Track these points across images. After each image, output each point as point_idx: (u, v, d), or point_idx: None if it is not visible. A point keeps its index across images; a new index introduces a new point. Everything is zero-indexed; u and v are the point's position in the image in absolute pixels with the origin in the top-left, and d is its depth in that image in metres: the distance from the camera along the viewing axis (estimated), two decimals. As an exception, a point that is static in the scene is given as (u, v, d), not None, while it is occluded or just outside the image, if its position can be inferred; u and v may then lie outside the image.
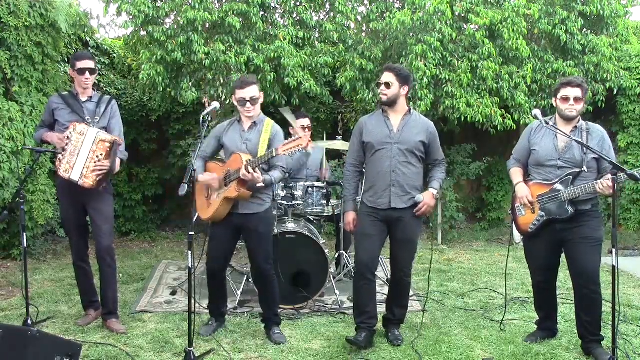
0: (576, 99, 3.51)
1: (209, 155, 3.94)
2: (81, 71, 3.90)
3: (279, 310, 4.06)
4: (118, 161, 3.89)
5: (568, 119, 3.57)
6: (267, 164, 3.74)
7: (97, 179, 3.75)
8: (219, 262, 3.92)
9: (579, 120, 3.61)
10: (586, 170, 3.49)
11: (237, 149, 3.77)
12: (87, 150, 3.71)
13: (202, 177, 3.78)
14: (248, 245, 3.92)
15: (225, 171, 3.76)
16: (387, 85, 3.70)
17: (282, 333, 3.88)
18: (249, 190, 3.68)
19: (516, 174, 3.80)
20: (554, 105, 3.65)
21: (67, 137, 3.76)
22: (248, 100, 3.73)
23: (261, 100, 3.84)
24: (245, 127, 3.82)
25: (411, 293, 4.39)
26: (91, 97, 3.98)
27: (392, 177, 3.68)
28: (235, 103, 3.80)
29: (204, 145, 3.82)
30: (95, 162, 3.71)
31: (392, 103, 3.73)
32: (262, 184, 3.65)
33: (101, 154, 3.72)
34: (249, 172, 3.53)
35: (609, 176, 3.27)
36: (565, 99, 3.53)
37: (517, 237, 3.83)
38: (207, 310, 4.10)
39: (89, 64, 3.92)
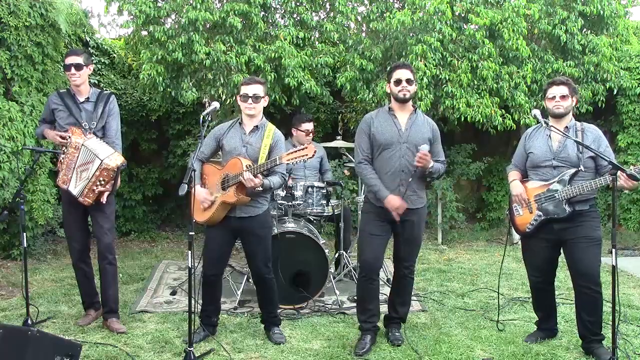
0: (562, 97, 3.57)
1: (207, 156, 3.87)
2: (67, 67, 3.92)
3: (279, 311, 4.05)
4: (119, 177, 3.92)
5: (556, 116, 3.61)
6: (268, 170, 3.67)
7: (96, 197, 3.83)
8: (216, 267, 3.84)
9: (571, 120, 3.64)
10: (583, 169, 3.50)
11: (237, 152, 3.72)
12: (90, 174, 3.75)
13: (197, 191, 3.67)
14: (246, 249, 3.87)
15: (224, 175, 3.71)
16: (410, 81, 3.70)
17: (282, 333, 3.88)
18: (247, 196, 3.65)
19: (512, 175, 3.83)
20: (545, 107, 3.70)
21: (65, 140, 3.78)
22: (250, 97, 3.70)
23: (265, 103, 3.80)
24: (247, 130, 3.77)
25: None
26: (88, 97, 3.96)
27: (401, 177, 3.67)
28: (239, 101, 3.78)
29: (202, 146, 3.77)
30: (97, 185, 3.77)
31: (410, 100, 3.75)
32: (260, 189, 3.60)
33: (104, 180, 3.77)
34: (250, 178, 3.48)
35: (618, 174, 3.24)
36: (551, 98, 3.60)
37: (517, 236, 3.83)
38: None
39: (74, 59, 3.90)
